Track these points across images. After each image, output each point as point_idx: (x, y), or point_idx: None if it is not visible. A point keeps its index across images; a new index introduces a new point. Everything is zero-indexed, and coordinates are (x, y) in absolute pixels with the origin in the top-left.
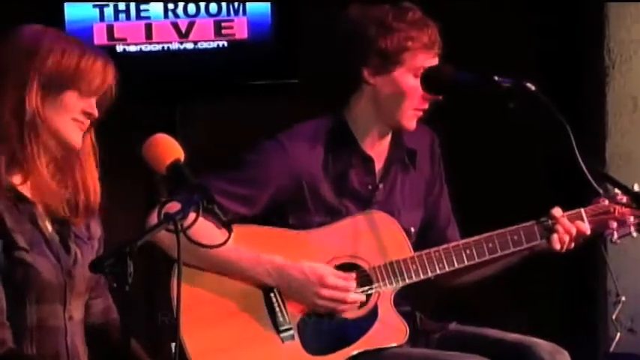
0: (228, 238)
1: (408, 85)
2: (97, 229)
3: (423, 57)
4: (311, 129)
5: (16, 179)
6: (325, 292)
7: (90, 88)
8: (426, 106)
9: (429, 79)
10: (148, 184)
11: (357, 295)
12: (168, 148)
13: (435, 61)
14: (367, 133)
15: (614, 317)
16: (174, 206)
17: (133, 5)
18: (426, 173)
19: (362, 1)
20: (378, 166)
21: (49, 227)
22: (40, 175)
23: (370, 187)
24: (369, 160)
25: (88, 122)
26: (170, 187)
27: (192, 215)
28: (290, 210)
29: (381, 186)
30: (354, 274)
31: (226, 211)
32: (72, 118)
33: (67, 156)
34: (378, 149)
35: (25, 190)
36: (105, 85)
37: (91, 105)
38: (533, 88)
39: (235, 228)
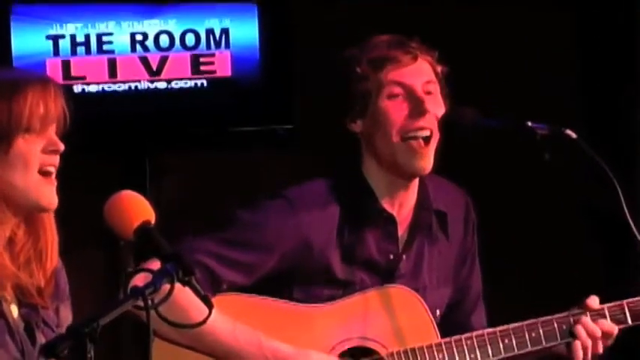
0: (208, 316)
1: (383, 109)
2: (67, 315)
3: (385, 73)
4: (322, 185)
5: None
6: None
7: (40, 121)
8: (422, 124)
9: (450, 125)
10: (110, 251)
11: None
12: (135, 208)
13: (412, 70)
14: (383, 190)
15: None
16: (143, 278)
17: (93, 37)
18: (457, 243)
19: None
20: (400, 231)
21: (15, 312)
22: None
23: (392, 256)
24: (390, 221)
25: (56, 164)
26: (138, 255)
27: (165, 288)
28: (295, 280)
29: (404, 257)
30: None
31: (219, 279)
32: (38, 170)
33: (34, 215)
34: (401, 211)
35: None
36: (56, 108)
37: (51, 139)
38: (573, 135)
39: (228, 297)
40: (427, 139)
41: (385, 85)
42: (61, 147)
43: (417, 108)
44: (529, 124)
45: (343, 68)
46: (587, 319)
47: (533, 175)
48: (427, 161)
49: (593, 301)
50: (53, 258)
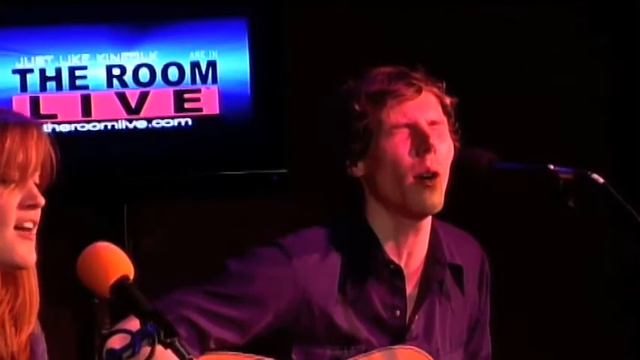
0: None
1: (386, 148)
2: None
3: (386, 109)
4: (322, 234)
5: None
6: None
7: (19, 171)
8: (428, 164)
9: (463, 168)
10: (84, 310)
11: None
12: (112, 263)
13: (416, 104)
14: (390, 237)
15: None
16: (121, 340)
17: (65, 71)
18: (471, 303)
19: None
20: (410, 286)
21: None
22: None
23: (399, 312)
24: (397, 275)
25: (35, 219)
26: (115, 314)
27: (145, 351)
28: (293, 339)
29: (416, 317)
30: None
31: (206, 337)
32: (15, 226)
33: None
34: (410, 262)
35: None
36: (38, 156)
37: (31, 192)
38: (601, 180)
39: (217, 357)
40: (435, 175)
41: (387, 123)
42: (41, 201)
43: (423, 145)
44: (551, 167)
45: (339, 105)
46: None
47: (555, 225)
48: (438, 197)
49: None
50: (31, 320)
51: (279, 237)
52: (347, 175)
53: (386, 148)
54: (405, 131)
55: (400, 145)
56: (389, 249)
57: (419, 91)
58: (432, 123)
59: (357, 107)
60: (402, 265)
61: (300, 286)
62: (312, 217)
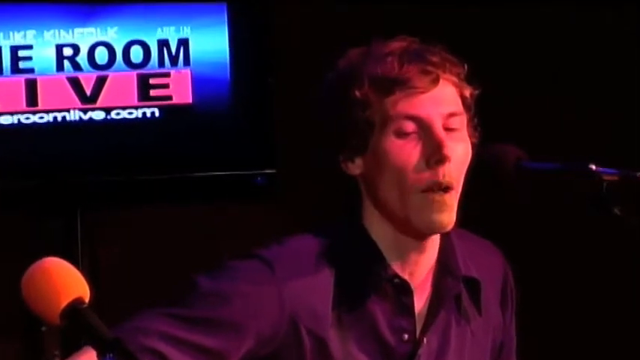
0: None
1: (389, 149)
2: None
3: (393, 100)
4: (311, 243)
5: None
6: None
7: None
8: (439, 177)
9: (486, 171)
10: (28, 340)
11: None
12: (63, 282)
13: (430, 99)
14: (391, 247)
15: None
16: None
17: (6, 50)
18: (493, 324)
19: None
20: (419, 305)
21: None
22: None
23: (406, 336)
24: (404, 290)
25: None
26: (67, 345)
27: None
28: None
29: (425, 340)
30: None
31: None
32: None
33: None
34: (416, 275)
35: None
36: None
37: None
38: None
39: None
40: (447, 189)
41: (393, 117)
42: None
43: (435, 155)
44: (592, 167)
45: (336, 89)
46: None
47: (598, 237)
48: (448, 215)
49: None
50: None
51: (259, 247)
52: (340, 171)
53: (390, 150)
54: (415, 132)
55: (407, 151)
56: (391, 261)
57: (435, 81)
58: (451, 115)
59: (357, 94)
60: (407, 277)
61: (285, 306)
62: (304, 227)
